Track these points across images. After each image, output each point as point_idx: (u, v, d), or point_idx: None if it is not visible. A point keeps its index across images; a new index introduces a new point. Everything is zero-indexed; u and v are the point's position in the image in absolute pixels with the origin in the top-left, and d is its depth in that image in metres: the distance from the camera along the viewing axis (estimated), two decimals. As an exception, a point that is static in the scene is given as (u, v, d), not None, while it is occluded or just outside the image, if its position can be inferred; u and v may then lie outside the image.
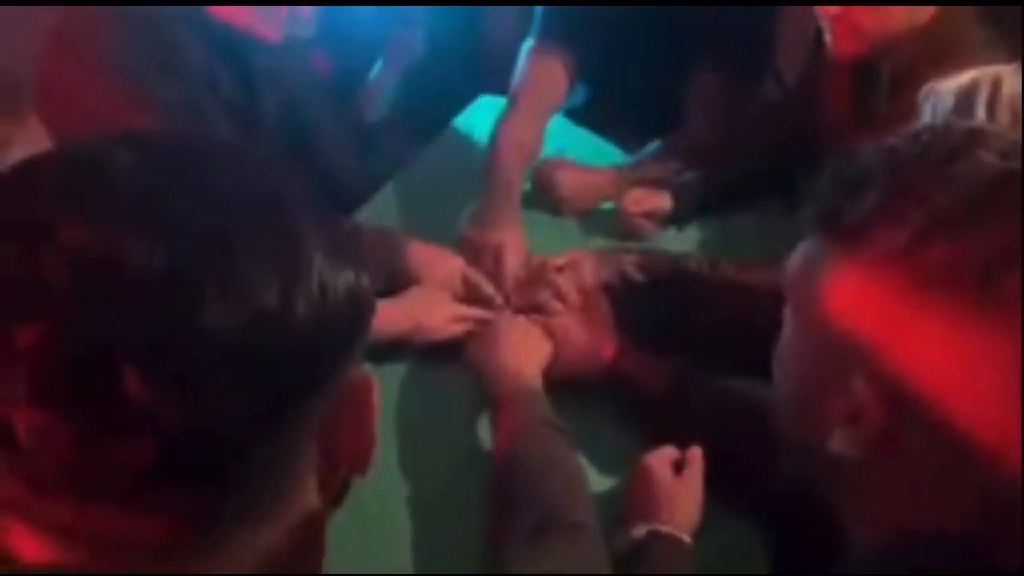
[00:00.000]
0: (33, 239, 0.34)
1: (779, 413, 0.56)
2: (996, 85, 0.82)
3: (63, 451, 0.33)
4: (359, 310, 0.41)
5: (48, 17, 1.04)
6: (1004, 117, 0.80)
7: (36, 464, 0.34)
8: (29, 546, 0.37)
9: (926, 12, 1.13)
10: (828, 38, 1.16)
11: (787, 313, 0.55)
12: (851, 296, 0.48)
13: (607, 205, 1.41)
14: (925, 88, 0.92)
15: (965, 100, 0.82)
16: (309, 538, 0.44)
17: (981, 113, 0.78)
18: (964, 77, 0.87)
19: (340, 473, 0.45)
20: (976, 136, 0.46)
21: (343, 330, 0.40)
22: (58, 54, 0.99)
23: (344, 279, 0.39)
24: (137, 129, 0.41)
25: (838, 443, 0.49)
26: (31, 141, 0.76)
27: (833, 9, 1.13)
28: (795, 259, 0.53)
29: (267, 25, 1.10)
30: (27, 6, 1.25)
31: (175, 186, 0.37)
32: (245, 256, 0.36)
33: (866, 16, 1.12)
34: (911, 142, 0.48)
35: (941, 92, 0.88)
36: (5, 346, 0.33)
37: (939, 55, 1.11)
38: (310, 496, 0.43)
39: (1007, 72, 0.84)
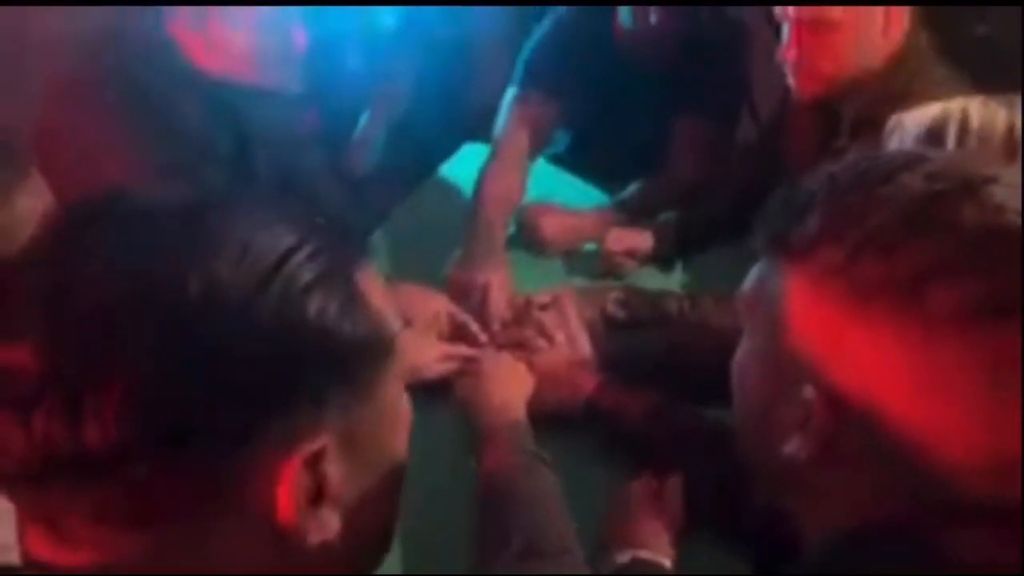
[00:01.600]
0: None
1: (738, 425, 0.59)
2: (965, 117, 0.85)
3: (60, 447, 0.37)
4: (348, 345, 0.42)
5: (50, 70, 1.10)
6: (973, 146, 0.83)
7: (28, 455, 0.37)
8: (43, 547, 0.41)
9: (884, 53, 1.19)
10: (790, 81, 1.23)
11: (745, 331, 0.59)
12: (798, 311, 0.52)
13: (590, 245, 1.46)
14: (892, 120, 0.96)
15: (936, 131, 0.85)
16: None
17: (951, 143, 0.82)
18: (932, 109, 0.90)
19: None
20: (907, 161, 0.51)
21: (329, 360, 0.42)
22: (59, 114, 1.05)
23: (332, 313, 0.41)
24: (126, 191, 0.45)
25: (791, 447, 0.52)
26: (32, 192, 0.80)
27: (792, 53, 1.19)
28: (749, 279, 0.57)
29: (266, 72, 1.16)
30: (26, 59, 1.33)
31: (173, 240, 0.40)
32: (232, 290, 0.39)
33: (824, 59, 1.18)
34: (849, 168, 0.52)
35: (907, 124, 0.92)
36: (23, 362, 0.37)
37: (898, 95, 1.17)
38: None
39: (974, 104, 0.87)
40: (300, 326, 0.40)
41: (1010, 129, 0.74)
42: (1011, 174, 0.49)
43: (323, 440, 0.41)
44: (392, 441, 0.48)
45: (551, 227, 1.45)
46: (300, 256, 0.41)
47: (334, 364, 0.42)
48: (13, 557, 0.44)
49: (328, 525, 0.43)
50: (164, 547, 0.40)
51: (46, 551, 0.41)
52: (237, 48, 1.13)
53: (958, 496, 0.48)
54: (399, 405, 0.48)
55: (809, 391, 0.51)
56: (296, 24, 1.14)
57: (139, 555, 0.40)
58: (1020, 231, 0.45)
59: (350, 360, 0.43)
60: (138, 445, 0.37)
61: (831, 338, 0.50)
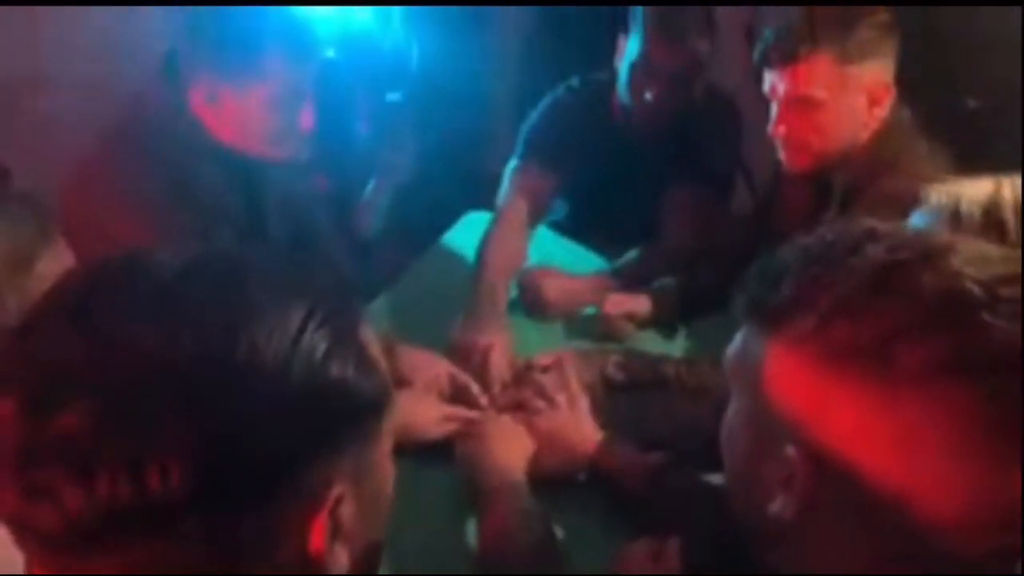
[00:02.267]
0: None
1: (727, 484, 0.61)
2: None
3: (95, 504, 0.39)
4: (351, 399, 0.46)
5: (77, 139, 1.16)
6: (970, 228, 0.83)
7: (72, 517, 0.40)
8: None
9: (869, 129, 1.25)
10: (780, 155, 1.28)
11: (732, 394, 0.61)
12: (777, 374, 0.55)
13: (589, 309, 1.49)
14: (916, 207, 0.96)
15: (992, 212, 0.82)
16: None
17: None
18: (939, 196, 0.87)
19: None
20: (870, 233, 0.54)
21: (333, 414, 0.45)
22: (84, 183, 1.10)
23: (337, 370, 0.44)
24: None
25: (775, 506, 0.54)
26: (56, 257, 0.83)
27: (781, 130, 1.25)
28: (732, 345, 0.60)
29: (275, 146, 1.22)
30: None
31: (196, 291, 0.44)
32: (245, 347, 0.42)
33: (811, 135, 1.24)
34: (819, 240, 0.56)
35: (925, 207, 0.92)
36: (51, 422, 0.39)
37: (885, 168, 1.22)
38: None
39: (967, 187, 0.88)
40: (326, 388, 0.44)
41: (995, 206, 0.77)
42: (968, 244, 0.53)
43: (341, 487, 0.45)
44: (387, 482, 0.52)
45: (552, 291, 1.49)
46: (315, 322, 0.45)
47: (351, 418, 0.46)
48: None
49: (341, 561, 0.46)
50: None
51: None
52: (248, 124, 1.19)
53: (938, 548, 0.50)
54: (389, 449, 0.52)
55: (791, 451, 0.53)
56: (305, 103, 1.20)
57: None
58: (976, 295, 0.49)
59: (363, 413, 0.46)
60: (198, 500, 0.40)
61: (809, 399, 0.53)
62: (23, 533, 0.42)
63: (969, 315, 0.49)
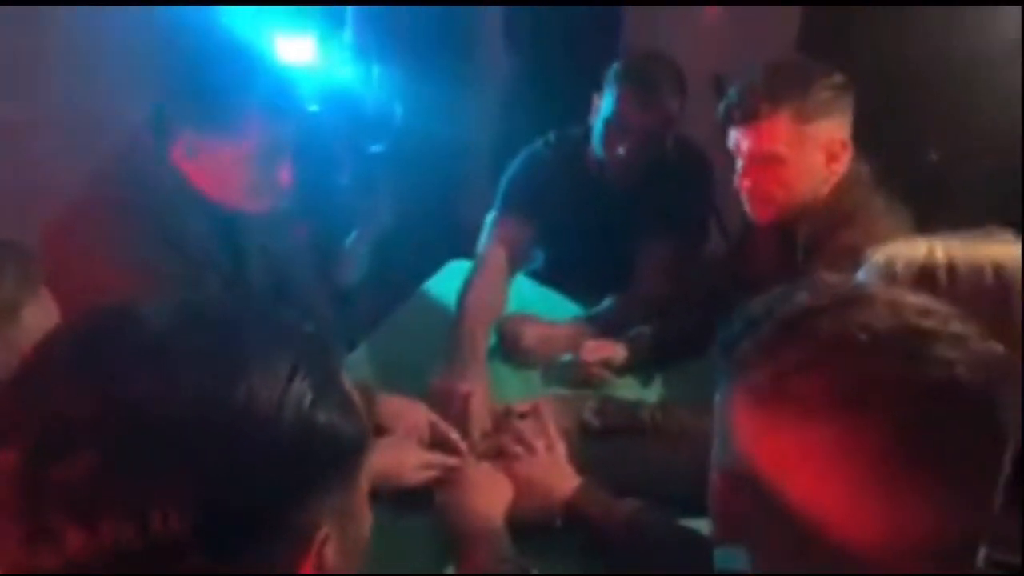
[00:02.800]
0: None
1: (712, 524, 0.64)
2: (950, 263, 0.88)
3: (95, 547, 0.41)
4: (337, 444, 0.49)
5: (60, 190, 1.17)
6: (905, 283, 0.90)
7: (74, 559, 0.41)
8: None
9: (829, 184, 1.31)
10: (746, 207, 1.33)
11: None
12: (728, 413, 0.60)
13: (567, 356, 1.52)
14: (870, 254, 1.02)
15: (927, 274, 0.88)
16: None
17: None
18: (880, 256, 0.93)
19: None
20: (807, 284, 0.60)
21: (320, 459, 0.47)
22: (69, 234, 1.12)
23: (322, 417, 0.47)
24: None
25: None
26: (42, 308, 0.84)
27: (746, 183, 1.31)
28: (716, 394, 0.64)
29: (253, 200, 1.24)
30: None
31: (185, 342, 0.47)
32: (234, 397, 0.44)
33: (775, 188, 1.30)
34: (772, 300, 0.61)
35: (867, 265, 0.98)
36: (50, 472, 0.41)
37: (843, 221, 1.28)
38: None
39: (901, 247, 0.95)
40: (314, 433, 0.46)
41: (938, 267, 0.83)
42: (889, 294, 0.59)
43: (327, 528, 0.47)
44: (365, 524, 0.55)
45: (530, 338, 1.51)
46: (302, 371, 0.48)
47: (337, 461, 0.48)
48: None
49: None
50: None
51: None
52: (227, 178, 1.20)
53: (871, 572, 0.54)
54: (367, 491, 0.55)
55: (746, 485, 0.57)
56: (285, 158, 1.21)
57: None
58: (867, 342, 0.54)
59: (347, 456, 0.49)
60: (198, 543, 0.42)
61: (745, 434, 0.58)
62: None
63: (861, 358, 0.54)
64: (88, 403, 0.43)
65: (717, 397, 0.63)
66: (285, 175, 1.22)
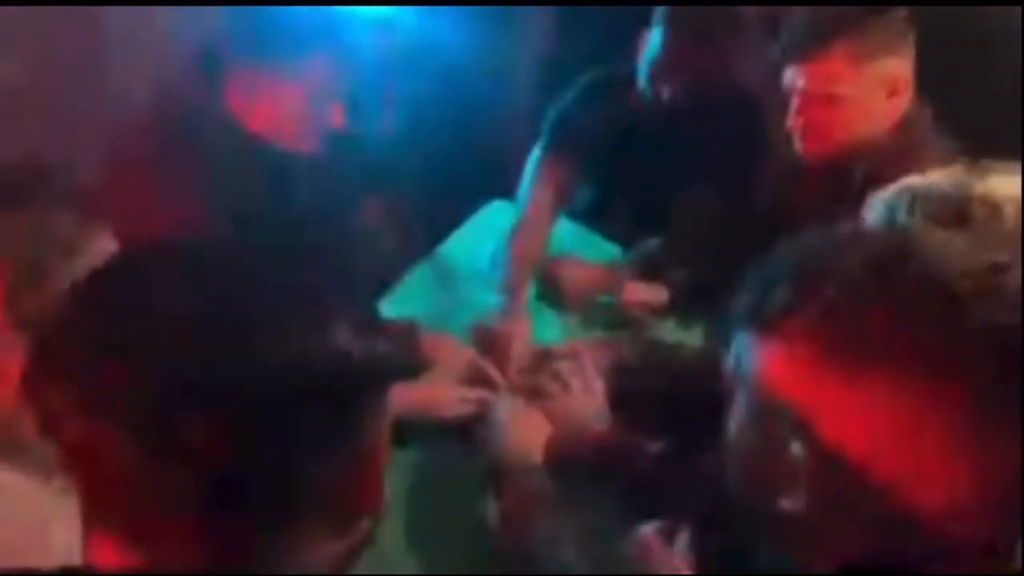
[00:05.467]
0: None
1: (734, 482, 0.64)
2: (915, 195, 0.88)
3: (131, 467, 0.43)
4: (372, 372, 0.50)
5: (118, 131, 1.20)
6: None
7: (112, 479, 0.43)
8: (104, 554, 0.46)
9: (889, 120, 1.26)
10: (798, 144, 1.30)
11: (736, 396, 0.64)
12: (777, 376, 0.57)
13: (607, 299, 1.52)
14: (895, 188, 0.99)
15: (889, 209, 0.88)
16: None
17: (902, 218, 0.86)
18: (889, 191, 0.92)
19: (356, 516, 0.54)
20: (855, 236, 0.57)
21: (355, 385, 0.49)
22: (121, 172, 1.14)
23: (360, 345, 0.49)
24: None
25: (786, 502, 0.57)
26: (101, 244, 0.87)
27: (800, 122, 1.27)
28: (733, 350, 0.62)
29: (303, 141, 1.26)
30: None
31: (226, 277, 0.48)
32: (275, 323, 0.46)
33: (831, 126, 1.25)
34: (809, 244, 0.58)
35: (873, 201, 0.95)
36: (94, 385, 0.43)
37: (905, 156, 1.23)
38: (326, 542, 0.51)
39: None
40: (350, 363, 0.48)
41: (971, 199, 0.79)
42: (950, 237, 0.55)
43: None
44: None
45: (569, 280, 1.52)
46: (340, 304, 0.49)
47: (372, 390, 0.50)
48: (76, 559, 0.50)
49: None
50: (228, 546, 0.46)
51: (107, 555, 0.47)
52: (282, 117, 1.23)
53: (943, 535, 0.53)
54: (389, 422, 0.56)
55: (796, 449, 0.56)
56: (337, 101, 1.24)
57: (199, 556, 0.46)
58: (957, 290, 0.51)
59: (383, 385, 0.51)
60: (234, 458, 0.44)
61: (809, 400, 0.55)
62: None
63: (954, 309, 0.51)
64: (133, 325, 0.44)
65: (737, 358, 0.61)
66: (337, 116, 1.24)
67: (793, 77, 1.26)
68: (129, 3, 1.66)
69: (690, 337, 1.46)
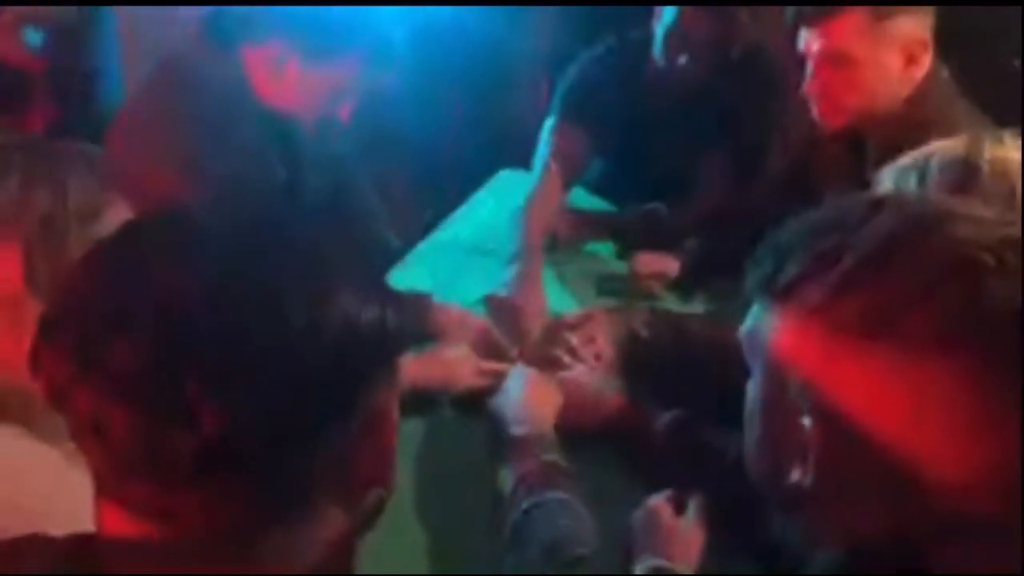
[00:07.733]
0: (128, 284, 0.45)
1: (747, 455, 0.63)
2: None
3: (139, 438, 0.43)
4: (381, 341, 0.49)
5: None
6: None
7: (119, 450, 0.44)
8: (115, 521, 0.47)
9: (906, 87, 1.23)
10: (813, 110, 1.27)
11: (751, 369, 0.63)
12: (789, 348, 0.56)
13: (619, 269, 1.51)
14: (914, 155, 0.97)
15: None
16: (338, 554, 0.51)
17: (914, 186, 0.85)
18: (901, 160, 0.92)
19: (366, 488, 0.54)
20: (875, 204, 0.55)
21: (364, 354, 0.48)
22: (130, 137, 1.14)
23: (368, 314, 0.48)
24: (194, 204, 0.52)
25: (795, 476, 0.56)
26: (118, 211, 0.86)
27: (816, 87, 1.24)
28: (747, 322, 0.61)
29: (307, 106, 1.25)
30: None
31: (231, 245, 0.47)
32: (282, 292, 0.45)
33: (846, 93, 1.23)
34: (826, 214, 0.56)
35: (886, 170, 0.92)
36: (100, 357, 0.43)
37: (922, 126, 1.21)
38: (336, 513, 0.51)
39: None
40: (360, 332, 0.47)
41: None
42: (971, 207, 0.54)
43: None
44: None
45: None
46: (350, 271, 0.48)
47: (381, 359, 0.50)
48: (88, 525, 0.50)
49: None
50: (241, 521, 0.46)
51: (119, 523, 0.47)
52: (302, 96, 1.23)
53: (954, 512, 0.52)
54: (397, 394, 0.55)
55: (807, 422, 0.55)
56: (354, 98, 1.25)
57: (212, 527, 0.46)
58: (980, 260, 0.49)
59: (392, 355, 0.51)
60: (244, 432, 0.44)
61: (821, 371, 0.54)
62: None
63: (976, 280, 0.49)
64: (140, 296, 0.44)
65: (751, 329, 0.59)
66: (346, 111, 1.26)
67: (808, 39, 1.23)
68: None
69: (699, 308, 1.46)
